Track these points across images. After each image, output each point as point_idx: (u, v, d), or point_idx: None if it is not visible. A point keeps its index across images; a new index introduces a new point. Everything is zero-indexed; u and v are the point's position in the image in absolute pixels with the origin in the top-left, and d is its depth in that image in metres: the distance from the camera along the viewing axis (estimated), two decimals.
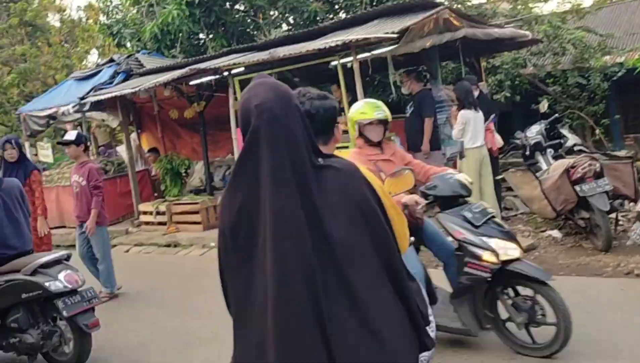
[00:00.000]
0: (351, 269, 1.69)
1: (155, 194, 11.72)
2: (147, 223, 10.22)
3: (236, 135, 8.89)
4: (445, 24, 7.64)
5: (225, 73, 8.79)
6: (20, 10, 19.21)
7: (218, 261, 1.83)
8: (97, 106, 10.88)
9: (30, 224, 5.14)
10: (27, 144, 12.14)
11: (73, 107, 10.74)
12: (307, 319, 1.59)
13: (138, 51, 12.86)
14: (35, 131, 12.02)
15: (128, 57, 11.93)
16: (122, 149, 12.49)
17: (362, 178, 1.86)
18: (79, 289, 4.67)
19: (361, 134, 4.07)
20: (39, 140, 14.60)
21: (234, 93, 8.73)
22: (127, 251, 9.59)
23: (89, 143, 13.36)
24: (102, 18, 16.25)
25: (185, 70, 9.17)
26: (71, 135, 6.69)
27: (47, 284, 4.52)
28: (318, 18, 12.35)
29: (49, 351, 4.70)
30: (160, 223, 9.99)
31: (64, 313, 4.50)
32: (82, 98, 10.73)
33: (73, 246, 7.01)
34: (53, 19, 20.35)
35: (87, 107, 10.74)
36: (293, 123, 1.72)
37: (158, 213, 10.02)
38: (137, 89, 9.67)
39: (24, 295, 4.57)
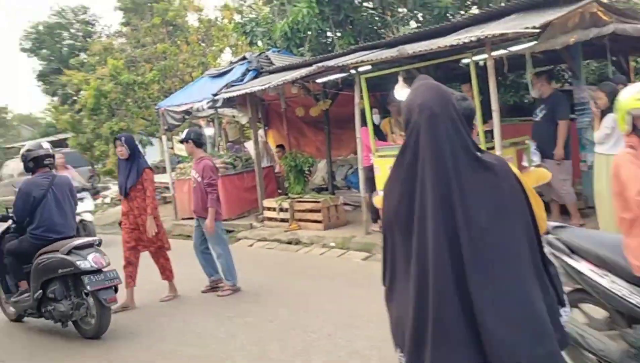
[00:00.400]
0: (496, 251, 1.94)
1: (279, 191, 11.93)
2: (270, 219, 10.39)
3: (360, 134, 8.74)
4: (592, 18, 6.97)
5: (352, 71, 8.68)
6: (162, 10, 20.42)
7: (383, 241, 2.19)
8: (228, 102, 11.23)
9: (75, 215, 6.14)
10: (164, 138, 12.85)
11: (207, 103, 11.15)
12: (450, 286, 1.92)
13: (268, 49, 13.14)
14: (172, 126, 12.62)
15: (259, 55, 12.21)
16: (250, 145, 12.84)
17: (512, 173, 2.13)
18: (104, 269, 5.51)
19: (636, 129, 3.07)
20: (175, 134, 15.43)
21: (360, 91, 8.59)
22: (251, 245, 9.78)
23: (219, 139, 14.00)
24: (237, 17, 16.84)
25: (312, 68, 9.18)
26: (183, 134, 7.09)
27: (78, 262, 5.38)
28: (449, 14, 11.93)
29: (77, 320, 5.61)
30: (282, 220, 10.11)
31: (88, 288, 5.36)
32: (215, 95, 11.11)
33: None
34: (192, 19, 21.40)
35: (219, 103, 11.09)
36: (450, 120, 1.99)
37: (281, 210, 10.15)
38: (265, 86, 9.84)
39: (60, 271, 5.49)
